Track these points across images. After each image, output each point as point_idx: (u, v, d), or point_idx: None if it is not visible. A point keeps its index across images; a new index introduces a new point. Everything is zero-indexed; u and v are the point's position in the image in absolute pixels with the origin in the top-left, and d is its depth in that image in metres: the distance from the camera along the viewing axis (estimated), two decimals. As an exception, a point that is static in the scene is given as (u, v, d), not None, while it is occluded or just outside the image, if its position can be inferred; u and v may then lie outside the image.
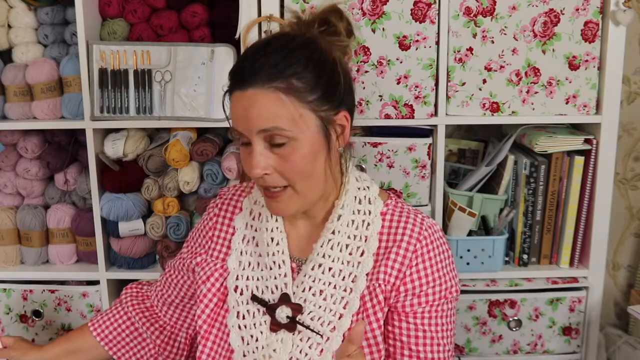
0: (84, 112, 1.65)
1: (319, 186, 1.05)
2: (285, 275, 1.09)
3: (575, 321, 1.73)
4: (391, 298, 1.07)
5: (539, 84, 1.63)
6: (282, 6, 1.60)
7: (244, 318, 1.11)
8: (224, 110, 1.08)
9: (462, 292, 1.69)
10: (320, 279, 1.07)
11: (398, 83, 1.62)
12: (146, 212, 1.74)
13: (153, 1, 1.67)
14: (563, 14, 1.59)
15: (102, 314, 1.32)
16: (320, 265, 1.07)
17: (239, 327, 1.11)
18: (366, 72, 1.61)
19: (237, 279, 1.13)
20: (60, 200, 1.79)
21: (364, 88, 1.62)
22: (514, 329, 1.73)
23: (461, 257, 1.69)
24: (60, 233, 1.77)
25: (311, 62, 1.00)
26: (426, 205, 1.69)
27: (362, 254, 1.07)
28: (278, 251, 1.10)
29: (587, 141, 1.66)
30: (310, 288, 1.07)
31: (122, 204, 1.69)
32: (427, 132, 1.67)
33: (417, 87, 1.62)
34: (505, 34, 1.60)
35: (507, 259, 1.75)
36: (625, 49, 1.61)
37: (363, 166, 1.66)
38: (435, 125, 1.66)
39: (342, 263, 1.07)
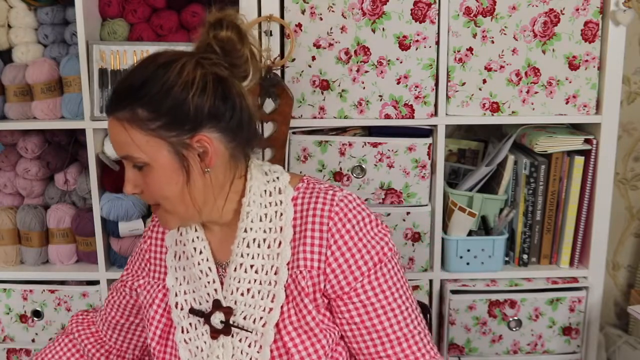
0: (84, 112, 1.65)
1: (184, 206, 1.05)
2: (214, 282, 1.11)
3: (575, 321, 1.73)
4: (321, 283, 1.05)
5: (539, 84, 1.63)
6: (282, 6, 1.60)
7: (187, 332, 1.13)
8: None
9: (463, 292, 1.70)
10: (244, 278, 1.08)
11: (398, 83, 1.62)
12: (146, 212, 1.74)
13: (153, 1, 1.67)
14: (563, 14, 1.59)
15: (49, 345, 1.30)
16: (241, 265, 1.08)
17: (185, 341, 1.13)
18: (366, 72, 1.61)
19: (176, 295, 1.15)
20: (60, 200, 1.79)
21: (364, 88, 1.62)
22: (514, 329, 1.73)
23: (461, 257, 1.69)
24: (60, 233, 1.77)
25: (158, 91, 1.00)
26: (426, 205, 1.69)
27: (279, 245, 1.07)
28: (202, 259, 1.12)
29: (587, 141, 1.66)
30: (237, 289, 1.08)
31: (122, 204, 1.68)
32: (427, 132, 1.67)
33: (417, 87, 1.62)
34: (505, 34, 1.60)
35: (507, 259, 1.75)
36: (625, 49, 1.61)
37: (363, 166, 1.66)
38: (435, 125, 1.66)
39: (262, 258, 1.07)
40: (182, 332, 1.14)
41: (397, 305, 1.06)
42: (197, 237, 1.13)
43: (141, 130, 1.00)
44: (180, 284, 1.15)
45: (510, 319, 1.72)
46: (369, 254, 1.05)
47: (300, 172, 1.16)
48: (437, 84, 1.63)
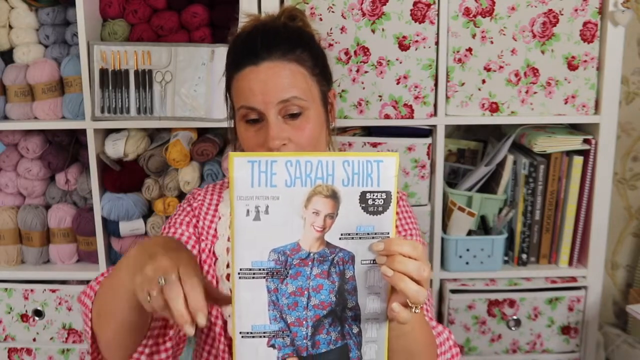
0: (84, 112, 1.65)
1: None
2: None
3: (574, 320, 1.73)
4: None
5: (538, 84, 1.64)
6: (282, 6, 1.60)
7: None
8: (226, 97, 1.10)
9: (462, 291, 1.71)
10: None
11: (398, 83, 1.62)
12: (147, 212, 1.75)
13: (154, 2, 1.67)
14: (562, 14, 1.60)
15: None
16: None
17: None
18: (366, 72, 1.62)
19: (227, 266, 1.12)
20: (61, 200, 1.80)
21: (363, 88, 1.63)
22: (513, 328, 1.73)
23: (460, 257, 1.70)
24: (61, 233, 1.78)
25: (310, 40, 1.08)
26: (426, 205, 1.70)
27: None
28: None
29: (586, 141, 1.66)
30: None
31: (123, 204, 1.69)
32: (426, 132, 1.68)
33: (416, 87, 1.62)
34: (504, 34, 1.61)
35: (506, 258, 1.75)
36: (623, 49, 1.62)
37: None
38: (435, 125, 1.66)
39: None
40: None
41: None
42: None
43: (308, 73, 1.04)
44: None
45: (510, 318, 1.73)
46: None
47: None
48: (436, 84, 1.63)
